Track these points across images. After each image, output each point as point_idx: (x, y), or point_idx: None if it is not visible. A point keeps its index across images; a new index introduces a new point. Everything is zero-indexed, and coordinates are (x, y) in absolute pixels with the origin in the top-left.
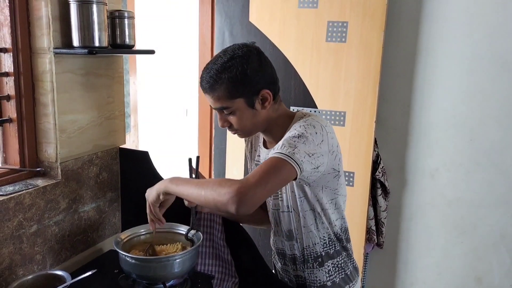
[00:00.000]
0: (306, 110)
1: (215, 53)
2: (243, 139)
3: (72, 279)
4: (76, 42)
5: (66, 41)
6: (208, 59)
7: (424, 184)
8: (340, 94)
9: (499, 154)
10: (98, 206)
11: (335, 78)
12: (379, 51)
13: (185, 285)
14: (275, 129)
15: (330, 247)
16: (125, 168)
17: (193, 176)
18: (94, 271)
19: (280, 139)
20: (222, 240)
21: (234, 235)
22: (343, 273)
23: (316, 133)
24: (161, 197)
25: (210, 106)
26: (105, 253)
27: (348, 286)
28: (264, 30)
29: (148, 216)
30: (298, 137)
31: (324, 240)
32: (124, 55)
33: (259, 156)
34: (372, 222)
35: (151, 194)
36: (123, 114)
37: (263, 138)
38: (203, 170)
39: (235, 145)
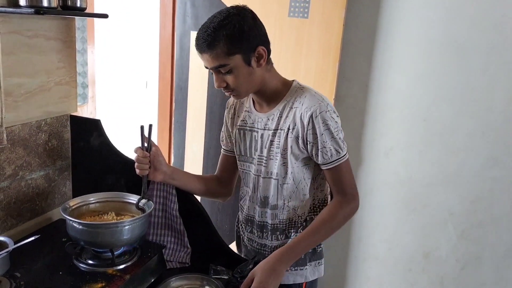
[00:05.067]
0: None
1: (176, 23)
2: (204, 111)
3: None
4: (22, 1)
5: None
6: (169, 29)
7: (379, 162)
8: (301, 70)
9: (450, 135)
10: (47, 174)
11: (296, 54)
12: (339, 29)
13: (135, 254)
14: (268, 91)
15: (302, 221)
16: (76, 136)
17: (145, 144)
18: (37, 236)
19: (271, 102)
20: (175, 210)
21: (187, 206)
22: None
23: (338, 116)
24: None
25: (206, 67)
26: (54, 222)
27: (314, 263)
28: (226, 2)
29: None
30: (338, 132)
31: (296, 212)
32: (80, 21)
33: (244, 120)
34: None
35: (276, 280)
36: (75, 81)
37: (253, 102)
38: (163, 144)
39: (195, 119)
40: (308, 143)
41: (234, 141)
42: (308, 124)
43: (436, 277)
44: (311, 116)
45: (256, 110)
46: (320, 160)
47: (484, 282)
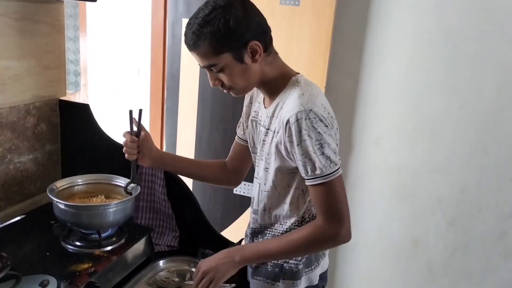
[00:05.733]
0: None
1: (168, 11)
2: (195, 99)
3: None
4: None
5: None
6: (161, 17)
7: (369, 151)
8: (292, 58)
9: (440, 123)
10: (35, 158)
11: (288, 42)
12: (331, 17)
13: (123, 236)
14: (271, 85)
15: (284, 232)
16: (65, 121)
17: (134, 129)
18: (23, 215)
19: (272, 96)
20: (163, 194)
21: (176, 190)
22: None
23: (327, 126)
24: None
25: (199, 65)
26: (43, 206)
27: (288, 282)
28: None
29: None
30: (321, 146)
31: (279, 220)
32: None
33: (256, 112)
34: None
35: (219, 272)
36: (64, 65)
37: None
38: (155, 131)
39: (187, 106)
40: (288, 152)
41: (248, 132)
42: (285, 130)
43: (425, 264)
44: (288, 122)
45: (264, 104)
46: (301, 173)
47: (471, 269)
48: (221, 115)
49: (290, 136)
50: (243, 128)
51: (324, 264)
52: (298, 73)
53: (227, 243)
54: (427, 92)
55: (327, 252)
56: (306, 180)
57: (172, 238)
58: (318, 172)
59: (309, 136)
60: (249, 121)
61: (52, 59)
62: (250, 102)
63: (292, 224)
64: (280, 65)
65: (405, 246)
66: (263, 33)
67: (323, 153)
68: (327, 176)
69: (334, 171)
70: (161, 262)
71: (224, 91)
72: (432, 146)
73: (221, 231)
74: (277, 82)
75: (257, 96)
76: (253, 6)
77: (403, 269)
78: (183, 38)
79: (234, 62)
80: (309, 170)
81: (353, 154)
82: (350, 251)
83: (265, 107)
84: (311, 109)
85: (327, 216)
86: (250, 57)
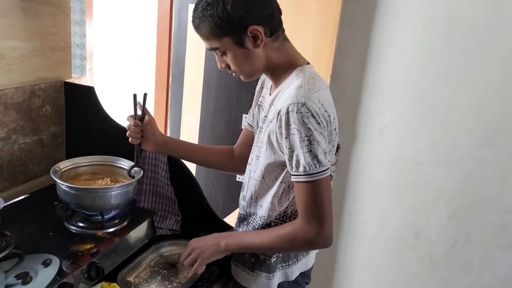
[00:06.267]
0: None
1: None
2: (200, 86)
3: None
4: None
5: None
6: (167, 2)
7: (373, 140)
8: (298, 46)
9: (445, 114)
10: (40, 139)
11: (294, 30)
12: (338, 4)
13: (125, 218)
14: (276, 71)
15: (264, 224)
16: (70, 103)
17: (138, 113)
18: (27, 195)
19: (277, 83)
20: (166, 178)
21: (179, 175)
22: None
23: (319, 123)
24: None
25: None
26: (47, 187)
27: (263, 274)
28: None
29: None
30: (309, 143)
31: (262, 212)
32: None
33: (263, 97)
34: None
35: (205, 253)
36: (69, 47)
37: None
38: (160, 118)
39: (192, 93)
40: (278, 143)
41: (255, 117)
42: (277, 121)
43: (425, 255)
44: (279, 112)
45: (270, 90)
46: (288, 167)
47: (472, 261)
48: (225, 103)
49: (280, 127)
50: (253, 114)
51: (307, 262)
52: (308, 64)
53: (228, 228)
54: (433, 83)
55: (312, 251)
56: (291, 176)
57: (174, 222)
58: (301, 169)
59: (297, 130)
60: (257, 106)
61: (58, 41)
62: (261, 87)
63: (274, 218)
64: (289, 52)
65: (406, 237)
66: (268, 18)
67: (310, 151)
68: (312, 175)
69: (320, 172)
70: (163, 245)
71: (233, 74)
72: (436, 137)
73: (224, 217)
74: (283, 69)
75: (268, 82)
76: None
77: (404, 260)
78: (189, 24)
79: (235, 47)
80: (294, 165)
81: (357, 144)
82: (351, 241)
83: (269, 94)
84: (304, 103)
85: (306, 217)
86: (252, 42)
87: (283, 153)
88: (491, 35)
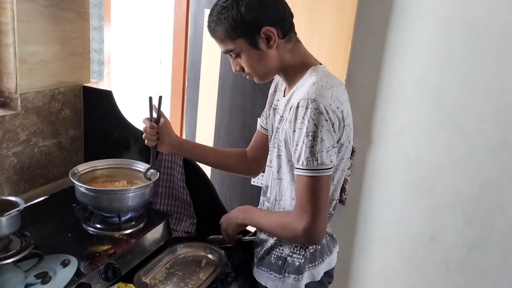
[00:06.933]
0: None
1: (190, 1)
2: (215, 90)
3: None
4: None
5: None
6: (184, 7)
7: (388, 144)
8: (313, 50)
9: (461, 117)
10: (59, 142)
11: (309, 33)
12: (353, 8)
13: (142, 220)
14: (290, 72)
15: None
16: (89, 107)
17: (154, 115)
18: (46, 196)
19: (290, 85)
20: (182, 181)
21: (194, 178)
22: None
23: (327, 120)
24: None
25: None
26: (66, 189)
27: (292, 276)
28: None
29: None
30: (313, 138)
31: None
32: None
33: (278, 100)
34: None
35: (230, 226)
36: (88, 52)
37: None
38: (176, 121)
39: (207, 97)
40: (289, 137)
41: (269, 120)
42: (289, 115)
43: (442, 260)
44: (291, 107)
45: (284, 92)
46: (293, 160)
47: (489, 267)
48: (240, 106)
49: (290, 121)
50: (266, 116)
51: (330, 261)
52: (321, 64)
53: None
54: (449, 85)
55: (334, 249)
56: (295, 169)
57: (189, 224)
58: (301, 163)
59: (304, 125)
60: (271, 110)
61: (77, 46)
62: (275, 91)
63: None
64: (302, 53)
65: (422, 241)
66: (280, 19)
67: (312, 146)
68: (312, 171)
69: (320, 169)
70: (178, 247)
71: (247, 77)
72: (453, 140)
73: None
74: (297, 70)
75: (281, 84)
76: None
77: (420, 265)
78: (205, 28)
79: (250, 48)
80: (296, 158)
81: (372, 147)
82: (366, 245)
83: (284, 96)
84: (315, 100)
85: (299, 210)
86: (266, 43)
87: (291, 146)
88: (509, 37)
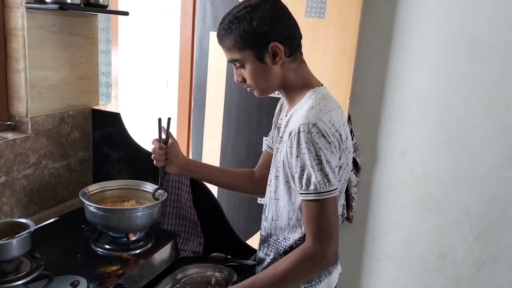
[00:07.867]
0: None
1: (196, 24)
2: (221, 110)
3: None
4: None
5: None
6: (189, 30)
7: (395, 161)
8: (317, 70)
9: (467, 134)
10: (68, 164)
11: (312, 54)
12: (356, 28)
13: (150, 240)
14: (291, 92)
15: (287, 246)
16: (97, 129)
17: (162, 136)
18: (56, 218)
19: (291, 105)
20: (189, 201)
21: (201, 197)
22: None
23: (329, 143)
24: None
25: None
26: (75, 210)
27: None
28: None
29: None
30: (320, 162)
31: (283, 234)
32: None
33: (281, 119)
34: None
35: None
36: (97, 76)
37: None
38: (182, 141)
39: (213, 118)
40: (288, 162)
41: (274, 140)
42: (288, 141)
43: (452, 278)
44: (291, 133)
45: (286, 112)
46: (296, 186)
47: (500, 284)
48: (246, 126)
49: (291, 147)
50: (272, 136)
51: (330, 282)
52: (322, 85)
53: (250, 251)
54: (454, 102)
55: (334, 270)
56: (299, 194)
57: (197, 244)
58: (312, 187)
59: (308, 149)
60: (276, 129)
61: (86, 70)
62: (280, 110)
63: (295, 240)
64: (305, 74)
65: (431, 259)
66: (289, 38)
67: (321, 169)
68: (321, 194)
69: (329, 191)
70: (187, 268)
71: (248, 89)
72: (459, 157)
73: (246, 240)
74: (297, 90)
75: (286, 104)
76: (284, 10)
77: (429, 283)
78: (210, 50)
79: (255, 61)
80: (304, 184)
81: (378, 165)
82: (375, 263)
83: (285, 116)
84: (315, 124)
85: (316, 235)
86: (271, 59)
87: (291, 172)
88: (511, 54)
